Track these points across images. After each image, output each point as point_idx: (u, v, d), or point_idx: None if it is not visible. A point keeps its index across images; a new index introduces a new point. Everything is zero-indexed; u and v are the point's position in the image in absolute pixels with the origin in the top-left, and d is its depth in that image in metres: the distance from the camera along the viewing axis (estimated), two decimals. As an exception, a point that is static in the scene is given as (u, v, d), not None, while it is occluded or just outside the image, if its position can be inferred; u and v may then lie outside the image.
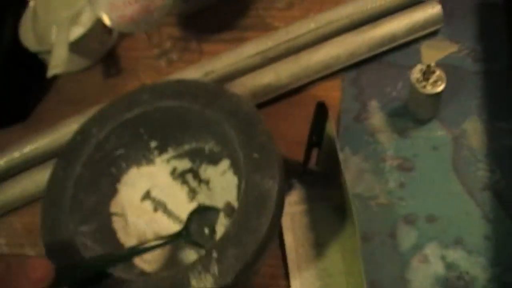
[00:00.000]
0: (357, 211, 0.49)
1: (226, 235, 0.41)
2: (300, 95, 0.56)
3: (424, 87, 0.49)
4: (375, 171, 0.51)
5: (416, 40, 0.57)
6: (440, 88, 0.49)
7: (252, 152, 0.43)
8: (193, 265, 0.40)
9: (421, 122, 0.53)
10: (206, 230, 0.47)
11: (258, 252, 0.40)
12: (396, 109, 0.54)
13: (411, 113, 0.53)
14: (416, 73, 0.50)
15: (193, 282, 0.40)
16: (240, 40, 0.59)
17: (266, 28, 0.60)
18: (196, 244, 0.46)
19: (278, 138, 0.53)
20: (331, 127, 0.47)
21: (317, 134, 0.49)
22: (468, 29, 0.57)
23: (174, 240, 0.46)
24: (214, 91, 0.47)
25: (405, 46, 0.57)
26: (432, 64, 0.49)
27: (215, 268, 0.40)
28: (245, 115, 0.45)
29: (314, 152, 0.50)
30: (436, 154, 0.51)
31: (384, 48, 0.56)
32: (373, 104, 0.54)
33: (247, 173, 0.43)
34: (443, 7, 0.58)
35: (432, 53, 0.56)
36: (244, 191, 0.42)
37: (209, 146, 0.49)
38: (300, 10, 0.61)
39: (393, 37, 0.55)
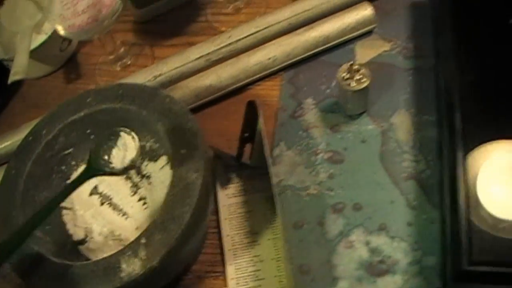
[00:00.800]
0: (281, 201, 0.53)
1: (153, 223, 0.45)
2: (243, 94, 0.60)
3: (349, 84, 0.53)
4: (307, 164, 0.55)
5: (352, 40, 0.61)
6: (364, 85, 0.53)
7: (180, 148, 0.48)
8: (124, 250, 0.45)
9: (352, 117, 0.57)
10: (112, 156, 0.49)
11: (182, 238, 0.44)
12: (329, 105, 0.58)
13: (342, 109, 0.57)
14: (342, 72, 0.54)
15: (123, 265, 0.44)
16: (190, 45, 0.63)
17: (214, 32, 0.64)
18: (109, 174, 0.48)
19: (221, 135, 0.58)
20: (260, 125, 0.52)
21: (249, 131, 0.53)
22: (400, 28, 0.61)
23: (85, 177, 0.48)
24: (150, 93, 0.52)
25: (340, 46, 0.61)
26: (357, 63, 0.54)
27: (142, 253, 0.44)
28: (176, 115, 0.50)
29: (249, 148, 0.54)
30: (365, 146, 0.55)
31: (319, 49, 0.60)
32: (308, 102, 0.59)
33: (175, 167, 0.47)
34: (379, 7, 0.62)
35: (365, 52, 0.60)
36: (171, 183, 0.46)
37: (149, 143, 0.54)
38: (246, 14, 0.66)
39: (327, 39, 0.59)
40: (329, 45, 0.60)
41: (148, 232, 0.45)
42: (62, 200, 0.47)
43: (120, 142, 0.49)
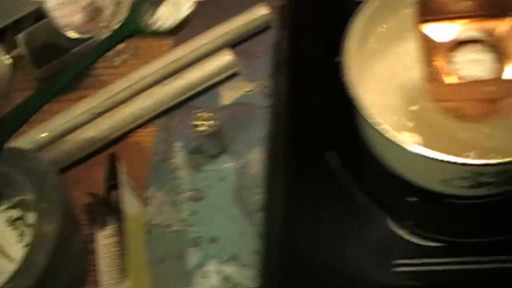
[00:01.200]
0: (148, 239, 0.60)
1: (15, 272, 0.53)
2: (122, 142, 0.67)
3: (203, 129, 0.60)
4: (172, 203, 0.62)
5: (218, 84, 0.68)
6: (215, 128, 0.59)
7: (40, 203, 0.55)
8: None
9: (213, 156, 0.63)
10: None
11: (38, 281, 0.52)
12: (195, 147, 0.64)
13: (204, 151, 0.63)
14: (195, 119, 0.60)
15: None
16: (82, 98, 0.71)
17: (103, 85, 0.71)
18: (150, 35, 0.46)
19: (102, 181, 0.65)
20: (120, 174, 0.59)
21: (114, 178, 0.60)
22: (263, 69, 0.68)
23: (120, 37, 0.45)
24: (17, 154, 0.59)
25: (207, 90, 0.68)
26: (208, 109, 0.60)
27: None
28: (39, 174, 0.57)
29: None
30: (223, 183, 0.62)
31: (186, 96, 0.67)
32: (177, 145, 0.65)
33: (37, 220, 0.55)
34: (243, 50, 0.69)
35: (230, 93, 0.67)
36: (33, 235, 0.54)
37: (29, 197, 0.61)
38: (130, 66, 0.73)
39: (193, 85, 0.66)
40: (195, 91, 0.67)
41: (11, 279, 0.52)
42: (88, 65, 0.44)
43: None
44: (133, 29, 0.44)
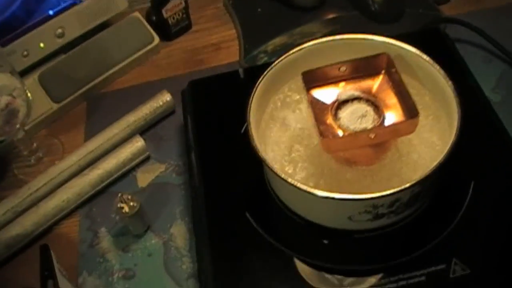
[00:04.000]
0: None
1: None
2: (50, 235, 0.73)
3: (124, 211, 0.67)
4: (106, 285, 0.67)
5: (134, 168, 0.76)
6: (136, 209, 0.67)
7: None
8: None
9: (138, 236, 0.70)
10: None
11: None
12: (120, 230, 0.71)
13: (129, 231, 0.71)
14: (116, 203, 0.67)
15: None
16: (2, 199, 0.76)
17: (21, 185, 0.77)
18: None
19: (36, 276, 0.70)
20: (54, 263, 0.64)
21: (47, 269, 0.66)
22: (172, 150, 0.77)
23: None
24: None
25: (125, 175, 0.75)
26: (126, 192, 0.67)
27: None
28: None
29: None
30: (151, 259, 0.68)
31: (105, 184, 0.74)
32: (102, 230, 0.72)
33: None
34: (154, 134, 0.78)
35: (145, 176, 0.75)
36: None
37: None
38: (47, 162, 0.79)
39: (109, 174, 0.73)
40: (112, 178, 0.74)
41: None
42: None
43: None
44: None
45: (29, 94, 0.72)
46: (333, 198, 0.53)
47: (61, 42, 0.83)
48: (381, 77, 0.62)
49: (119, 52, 0.86)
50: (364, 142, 0.57)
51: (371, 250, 0.60)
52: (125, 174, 0.75)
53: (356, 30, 0.66)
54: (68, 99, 0.84)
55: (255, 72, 0.62)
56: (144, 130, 0.79)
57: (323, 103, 0.61)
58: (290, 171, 0.60)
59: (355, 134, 0.57)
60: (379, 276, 0.57)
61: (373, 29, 0.76)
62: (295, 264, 0.59)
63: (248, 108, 0.59)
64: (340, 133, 0.58)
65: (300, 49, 0.64)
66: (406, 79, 0.61)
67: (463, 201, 0.61)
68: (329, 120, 0.59)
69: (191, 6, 0.90)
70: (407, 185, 0.53)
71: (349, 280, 0.57)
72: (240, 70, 0.75)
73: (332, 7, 0.85)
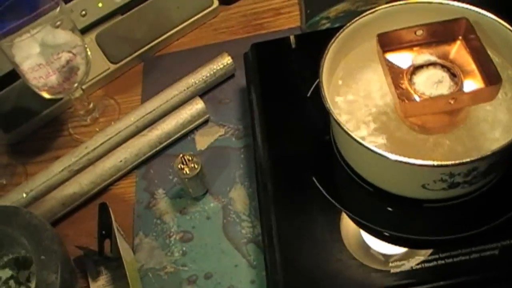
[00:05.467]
0: (143, 283, 0.65)
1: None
2: (104, 195, 0.73)
3: (184, 173, 0.67)
4: (163, 247, 0.68)
5: (192, 131, 0.76)
6: (196, 171, 0.66)
7: (39, 255, 0.60)
8: None
9: (196, 198, 0.70)
10: None
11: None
12: (177, 192, 0.71)
13: (187, 194, 0.71)
14: (176, 163, 0.67)
15: None
16: (57, 158, 0.76)
17: (76, 144, 0.77)
18: None
19: (89, 235, 0.70)
20: (113, 222, 0.65)
21: (105, 228, 0.66)
22: (231, 113, 0.76)
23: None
24: (12, 212, 0.64)
25: (182, 138, 0.75)
26: (188, 153, 0.67)
27: None
28: (35, 228, 0.62)
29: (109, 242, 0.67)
30: (210, 222, 0.68)
31: (163, 145, 0.74)
32: (160, 192, 0.72)
33: (38, 272, 0.59)
34: (212, 97, 0.78)
35: (204, 139, 0.75)
36: (35, 285, 0.59)
37: (21, 255, 0.66)
38: (103, 123, 0.79)
39: (168, 135, 0.73)
40: (171, 140, 0.74)
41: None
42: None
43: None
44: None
45: (89, 53, 0.72)
46: (409, 163, 0.52)
47: (119, 2, 0.83)
48: (458, 42, 0.60)
49: (177, 14, 0.85)
50: (443, 107, 0.56)
51: (440, 220, 0.59)
52: (184, 136, 0.75)
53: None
54: (125, 60, 0.84)
55: (309, 39, 0.61)
56: (203, 93, 0.78)
57: (398, 67, 0.59)
58: (361, 135, 0.59)
59: (434, 99, 0.55)
60: (429, 251, 0.56)
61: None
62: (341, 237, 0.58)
63: (321, 69, 0.59)
64: (416, 97, 0.56)
65: (374, 11, 0.62)
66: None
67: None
68: (405, 84, 0.58)
69: (253, -29, 0.89)
70: (488, 153, 0.52)
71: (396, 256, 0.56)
72: (292, 38, 0.74)
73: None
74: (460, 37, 0.60)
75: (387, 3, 0.65)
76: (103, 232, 0.66)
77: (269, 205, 0.61)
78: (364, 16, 0.62)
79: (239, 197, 0.69)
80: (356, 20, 0.62)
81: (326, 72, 0.59)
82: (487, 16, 0.61)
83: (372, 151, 0.53)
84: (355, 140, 0.54)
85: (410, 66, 0.59)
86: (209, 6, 0.87)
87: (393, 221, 0.59)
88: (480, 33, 0.60)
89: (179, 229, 0.69)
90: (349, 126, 0.57)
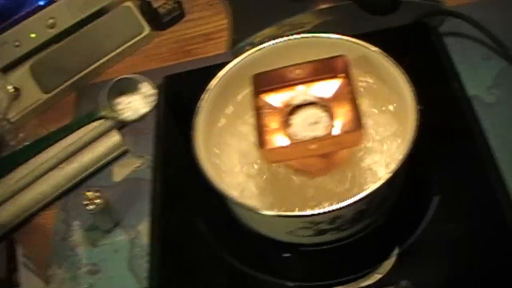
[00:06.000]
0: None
1: None
2: (27, 225, 0.76)
3: (90, 207, 0.69)
4: (73, 279, 0.70)
5: (110, 162, 0.78)
6: (100, 206, 0.69)
7: None
8: None
9: (107, 231, 0.73)
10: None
11: None
12: (90, 225, 0.74)
13: (99, 227, 0.73)
14: (84, 199, 0.70)
15: None
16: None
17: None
18: None
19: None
20: (18, 256, 0.68)
21: (11, 261, 0.69)
22: (150, 145, 0.78)
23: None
24: None
25: (101, 170, 0.78)
26: (94, 189, 0.70)
27: None
28: None
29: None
30: (117, 255, 0.70)
31: (81, 177, 0.76)
32: (75, 224, 0.75)
33: None
34: (132, 129, 0.80)
35: (121, 170, 0.77)
36: None
37: None
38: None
39: (84, 168, 0.76)
40: (87, 172, 0.76)
41: None
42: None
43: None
44: (102, 114, 0.63)
45: (9, 87, 0.75)
46: (261, 214, 0.53)
47: (52, 32, 0.86)
48: (341, 80, 0.60)
49: (110, 42, 0.88)
50: (305, 153, 0.56)
51: (317, 265, 0.59)
52: (102, 167, 0.78)
53: (350, 21, 0.64)
54: (58, 89, 0.86)
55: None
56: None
57: (275, 108, 0.59)
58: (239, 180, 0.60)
59: (293, 145, 0.56)
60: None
61: (367, 20, 0.74)
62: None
63: (193, 130, 0.59)
64: (283, 142, 0.56)
65: (256, 51, 0.63)
66: (373, 80, 0.59)
67: (420, 220, 0.59)
68: (278, 126, 0.58)
69: (185, -6, 0.90)
70: (344, 203, 0.52)
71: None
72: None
73: (325, -4, 0.83)
74: (342, 75, 0.60)
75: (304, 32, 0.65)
76: (11, 265, 0.69)
77: (157, 245, 0.63)
78: (245, 57, 0.63)
79: (147, 231, 0.71)
80: (236, 63, 0.63)
81: (204, 123, 0.60)
82: (370, 49, 0.61)
83: (234, 201, 0.54)
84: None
85: (287, 106, 0.59)
86: (140, 33, 0.88)
87: (273, 265, 0.60)
88: (368, 66, 0.60)
89: (88, 261, 0.71)
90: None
